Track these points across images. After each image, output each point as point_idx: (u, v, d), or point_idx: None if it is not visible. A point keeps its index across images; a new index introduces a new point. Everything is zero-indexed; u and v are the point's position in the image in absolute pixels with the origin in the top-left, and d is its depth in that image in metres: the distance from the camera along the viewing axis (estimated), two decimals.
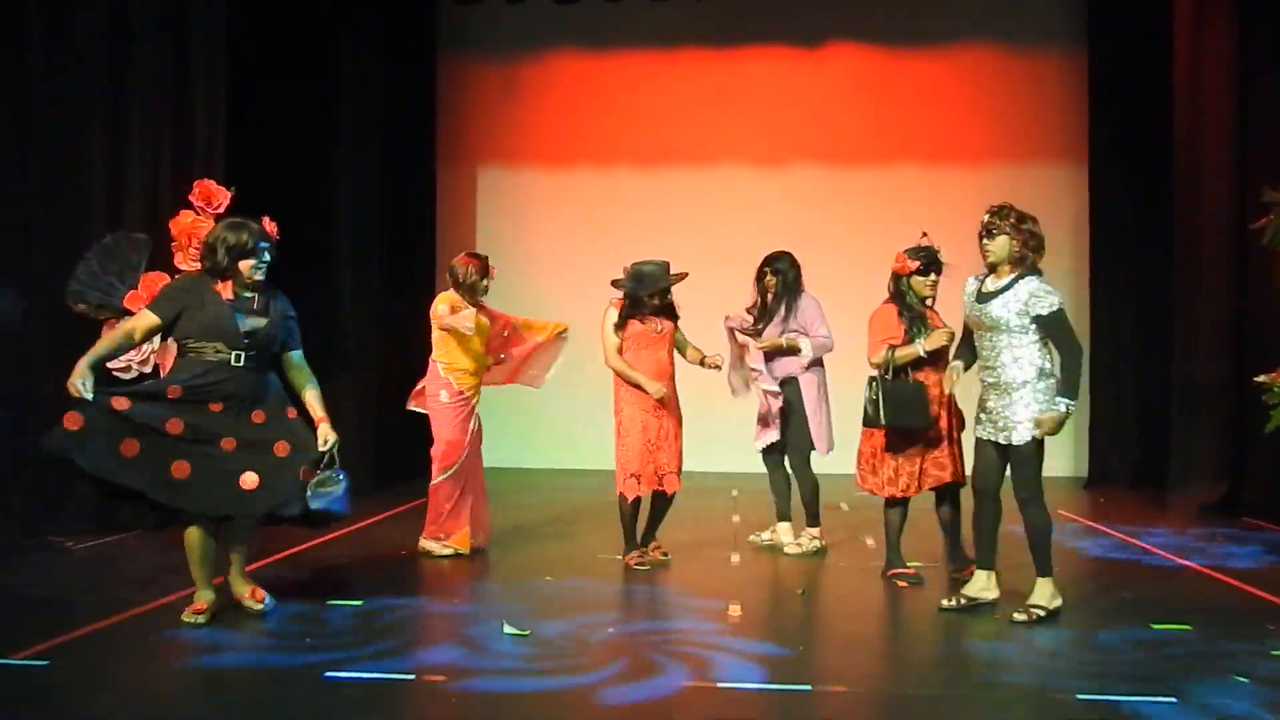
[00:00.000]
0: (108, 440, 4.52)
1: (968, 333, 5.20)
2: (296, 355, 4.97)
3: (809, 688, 4.06)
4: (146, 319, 4.78)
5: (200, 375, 4.69)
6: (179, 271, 7.19)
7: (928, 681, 4.15)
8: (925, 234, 5.66)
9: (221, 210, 7.34)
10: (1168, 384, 8.68)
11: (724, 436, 8.08)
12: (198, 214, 7.28)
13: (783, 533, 6.59)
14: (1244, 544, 6.82)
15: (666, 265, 6.11)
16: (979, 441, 5.05)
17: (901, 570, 5.71)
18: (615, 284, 6.12)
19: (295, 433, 4.81)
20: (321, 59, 9.16)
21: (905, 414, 5.42)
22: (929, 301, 5.66)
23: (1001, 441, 4.94)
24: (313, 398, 4.94)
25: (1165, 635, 4.71)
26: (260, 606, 4.95)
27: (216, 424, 4.68)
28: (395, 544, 6.59)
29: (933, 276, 5.58)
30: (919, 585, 5.59)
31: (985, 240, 4.95)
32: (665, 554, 6.22)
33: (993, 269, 4.98)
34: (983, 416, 5.02)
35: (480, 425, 6.41)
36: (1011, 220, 4.91)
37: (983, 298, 4.97)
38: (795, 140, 10.57)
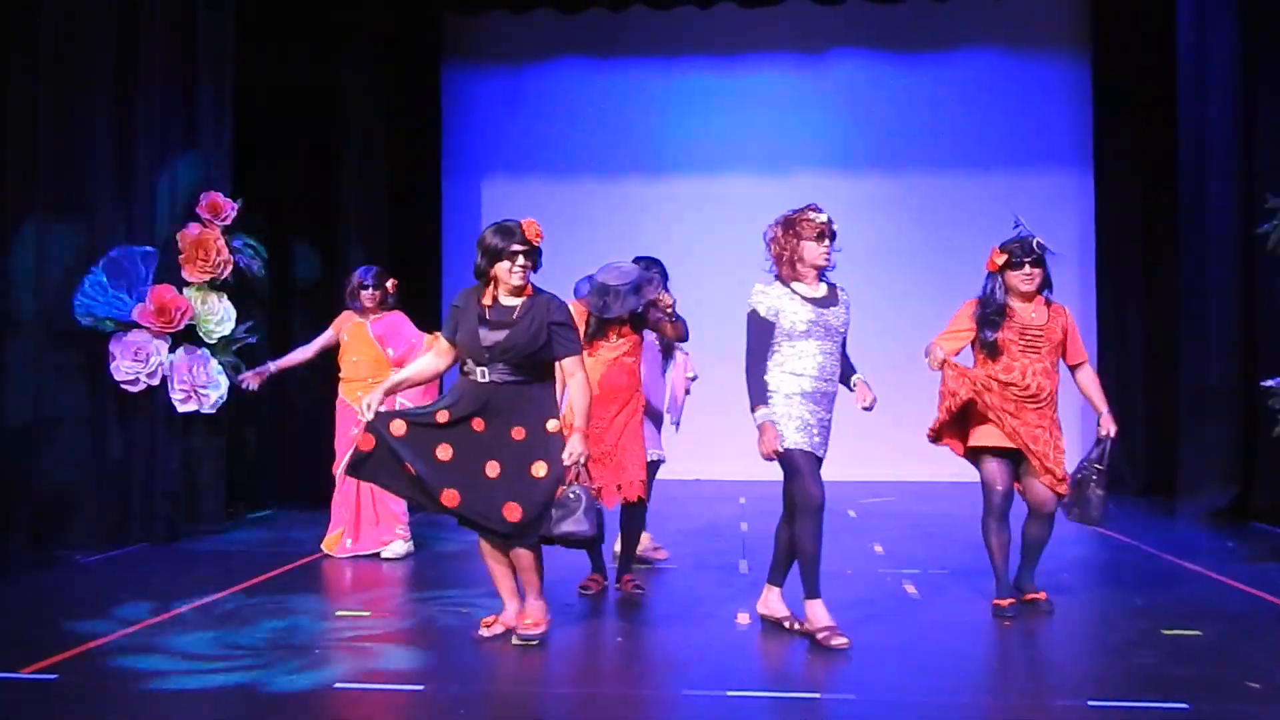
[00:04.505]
0: (393, 460, 4.57)
1: None
2: (567, 363, 4.71)
3: (817, 695, 4.05)
4: (440, 343, 4.82)
5: (462, 395, 4.62)
6: (187, 284, 7.23)
7: (937, 689, 4.13)
8: (1020, 222, 5.13)
9: (229, 222, 7.38)
10: (1176, 389, 8.64)
11: (730, 444, 8.05)
12: (205, 226, 7.31)
13: None
14: (1254, 548, 6.79)
15: (638, 268, 5.84)
16: None
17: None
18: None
19: (550, 452, 4.57)
20: (325, 72, 9.17)
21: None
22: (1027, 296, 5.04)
23: None
24: (572, 405, 4.67)
25: (1176, 641, 4.69)
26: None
27: (482, 447, 4.56)
28: (402, 554, 6.59)
29: (1027, 269, 5.01)
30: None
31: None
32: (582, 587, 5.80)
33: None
34: None
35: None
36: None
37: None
38: (800, 148, 10.55)
